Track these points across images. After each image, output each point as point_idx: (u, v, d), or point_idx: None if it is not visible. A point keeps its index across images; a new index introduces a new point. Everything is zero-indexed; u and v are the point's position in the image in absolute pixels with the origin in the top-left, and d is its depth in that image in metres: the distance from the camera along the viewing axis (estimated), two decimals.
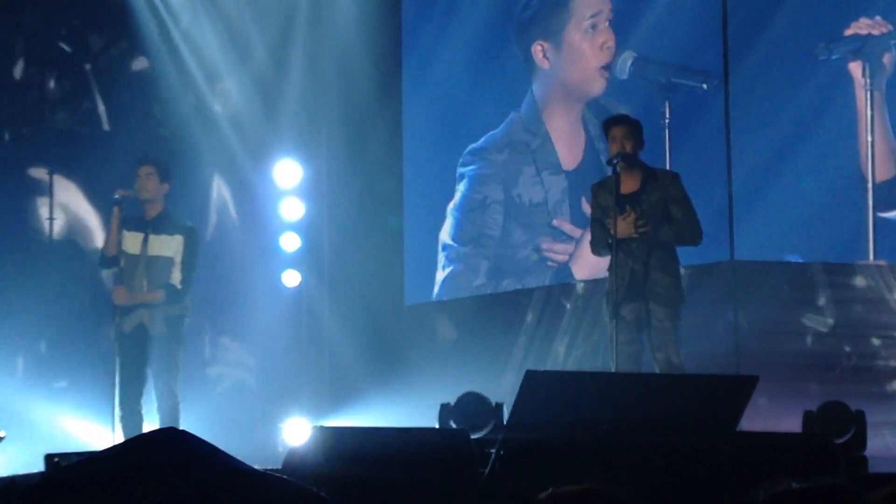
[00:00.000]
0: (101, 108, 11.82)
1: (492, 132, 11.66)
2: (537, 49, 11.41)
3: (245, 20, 11.97)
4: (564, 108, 11.45)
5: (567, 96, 11.43)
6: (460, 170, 11.75)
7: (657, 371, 8.39)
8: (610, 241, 8.36)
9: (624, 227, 8.37)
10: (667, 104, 10.67)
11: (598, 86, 11.17)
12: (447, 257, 11.79)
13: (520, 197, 11.48)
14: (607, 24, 11.13)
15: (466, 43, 11.71)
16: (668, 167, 10.04)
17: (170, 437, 2.60)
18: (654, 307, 8.39)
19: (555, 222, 11.32)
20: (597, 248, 8.67)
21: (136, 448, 2.60)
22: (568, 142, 11.37)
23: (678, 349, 8.38)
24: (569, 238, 11.22)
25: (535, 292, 11.49)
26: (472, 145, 11.72)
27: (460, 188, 11.75)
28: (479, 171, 11.69)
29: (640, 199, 8.45)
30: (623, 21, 11.09)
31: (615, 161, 8.39)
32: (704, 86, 10.60)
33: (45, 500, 2.47)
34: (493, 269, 11.59)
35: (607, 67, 11.06)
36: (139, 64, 11.89)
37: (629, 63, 10.93)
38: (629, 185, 8.51)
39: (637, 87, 10.93)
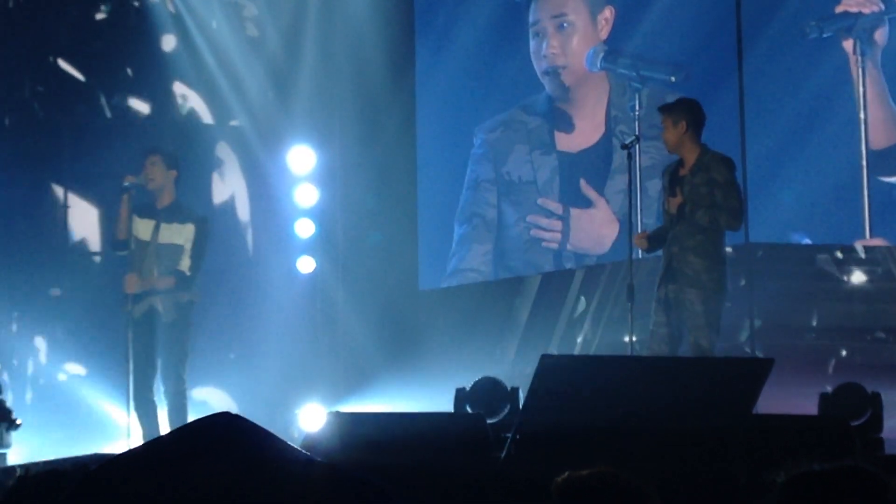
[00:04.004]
0: (110, 97, 11.82)
1: (500, 114, 11.72)
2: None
3: (258, 6, 11.96)
4: (575, 90, 11.47)
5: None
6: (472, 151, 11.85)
7: (687, 354, 8.44)
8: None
9: (673, 208, 8.63)
10: (637, 96, 10.74)
11: (549, 88, 11.37)
12: (453, 238, 11.88)
13: (509, 175, 11.54)
14: (555, 29, 11.23)
15: (479, 28, 11.70)
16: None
17: (225, 422, 2.59)
18: (685, 289, 8.49)
19: (539, 201, 11.37)
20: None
21: (192, 434, 2.59)
22: (581, 123, 11.39)
23: (708, 333, 8.43)
24: (555, 216, 11.28)
25: (555, 275, 11.50)
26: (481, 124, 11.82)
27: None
28: (476, 150, 11.75)
29: (687, 182, 8.58)
30: (635, 8, 11.09)
31: (629, 146, 8.77)
32: (672, 78, 10.65)
33: (98, 488, 2.47)
34: (493, 252, 11.61)
35: (547, 73, 11.32)
36: (151, 53, 11.88)
37: (600, 56, 11.04)
38: (686, 168, 8.67)
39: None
